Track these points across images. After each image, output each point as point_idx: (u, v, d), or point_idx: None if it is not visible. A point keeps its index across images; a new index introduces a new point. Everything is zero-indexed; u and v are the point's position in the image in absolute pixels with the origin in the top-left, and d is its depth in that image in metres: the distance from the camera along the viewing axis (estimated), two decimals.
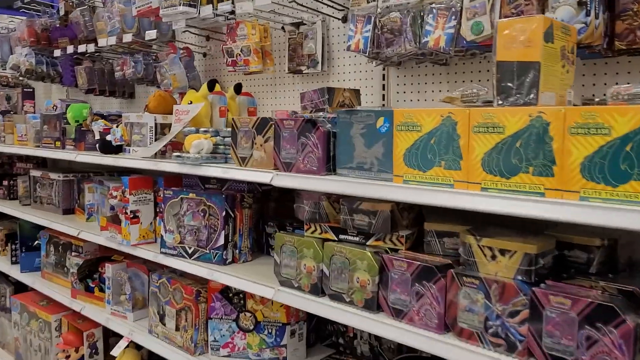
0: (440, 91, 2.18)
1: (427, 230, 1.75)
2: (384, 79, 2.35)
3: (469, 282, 1.49)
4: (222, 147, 2.35)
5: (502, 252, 1.47)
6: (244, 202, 2.37)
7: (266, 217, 2.56)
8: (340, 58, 2.53)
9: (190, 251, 2.41)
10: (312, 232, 1.96)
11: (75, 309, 3.22)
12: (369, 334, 2.36)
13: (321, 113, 2.06)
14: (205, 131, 2.40)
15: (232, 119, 2.14)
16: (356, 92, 2.23)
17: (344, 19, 2.46)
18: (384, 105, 2.36)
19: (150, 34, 3.05)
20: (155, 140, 2.83)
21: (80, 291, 3.23)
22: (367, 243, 1.82)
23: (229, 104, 2.77)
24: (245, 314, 2.41)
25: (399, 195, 1.58)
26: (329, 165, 1.84)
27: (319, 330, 2.55)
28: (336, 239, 1.89)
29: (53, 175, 3.73)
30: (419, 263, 1.60)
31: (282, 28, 2.75)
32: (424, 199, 1.53)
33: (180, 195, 2.45)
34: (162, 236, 2.51)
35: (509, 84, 1.38)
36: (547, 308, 1.33)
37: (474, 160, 1.43)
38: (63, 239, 3.55)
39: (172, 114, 2.90)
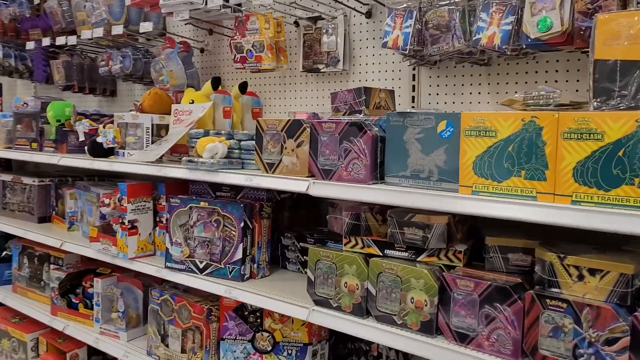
0: (479, 93, 2.03)
1: (490, 246, 1.59)
2: (414, 79, 2.19)
3: (553, 304, 1.34)
4: (237, 151, 2.14)
5: (592, 272, 1.33)
6: (263, 211, 2.17)
7: (280, 227, 2.36)
8: (362, 56, 2.35)
9: (201, 266, 2.18)
10: (352, 247, 1.77)
11: (57, 328, 2.92)
12: (397, 354, 2.20)
13: (359, 115, 1.89)
14: (217, 133, 2.19)
15: (258, 120, 1.94)
16: (391, 93, 2.06)
17: (368, 14, 2.29)
18: (413, 107, 2.20)
19: (146, 26, 2.79)
20: (152, 142, 2.59)
21: (62, 308, 2.94)
22: (418, 259, 1.66)
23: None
24: (262, 334, 2.20)
25: (470, 208, 1.42)
26: (376, 173, 1.67)
27: (336, 349, 2.37)
28: (381, 254, 1.72)
29: (27, 180, 3.41)
30: (489, 283, 1.45)
31: (295, 22, 2.56)
32: (499, 212, 1.37)
33: (190, 204, 2.22)
34: (167, 249, 2.27)
35: (610, 85, 1.24)
36: None
37: (563, 170, 1.29)
38: (39, 250, 3.24)
39: (168, 113, 2.67)
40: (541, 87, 1.54)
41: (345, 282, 1.74)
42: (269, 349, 2.19)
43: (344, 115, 1.95)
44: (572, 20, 1.52)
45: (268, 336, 2.20)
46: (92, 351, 3.04)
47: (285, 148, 1.86)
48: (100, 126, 2.94)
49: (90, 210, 2.89)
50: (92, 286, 2.96)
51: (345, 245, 1.79)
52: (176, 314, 2.33)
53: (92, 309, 2.85)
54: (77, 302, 2.93)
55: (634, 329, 1.23)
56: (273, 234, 2.32)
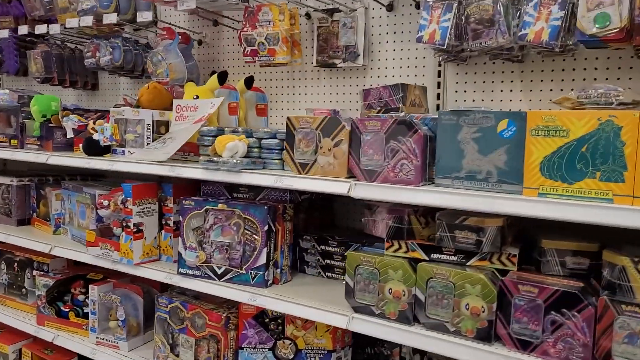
0: (511, 91, 1.99)
1: (546, 249, 1.54)
2: (439, 76, 2.13)
3: (630, 310, 1.30)
4: (256, 150, 2.02)
5: None
6: (286, 214, 2.06)
7: (297, 230, 2.25)
8: (381, 51, 2.27)
9: (220, 272, 2.05)
10: (394, 251, 1.69)
11: (45, 338, 2.72)
12: (421, 359, 2.14)
13: (396, 113, 1.80)
14: (234, 131, 2.06)
15: (289, 118, 1.83)
16: (424, 90, 1.99)
17: (390, 7, 2.21)
18: (438, 105, 2.13)
19: (145, 16, 2.62)
20: (153, 140, 2.43)
21: (51, 317, 2.74)
22: (469, 263, 1.59)
23: None
24: (284, 342, 2.10)
25: (538, 211, 1.36)
26: (425, 174, 1.59)
27: (355, 354, 2.29)
28: (427, 258, 1.65)
29: (3, 180, 3.16)
30: (556, 288, 1.40)
31: (307, 14, 2.45)
32: (570, 215, 1.32)
33: (206, 207, 2.09)
34: (180, 254, 2.13)
35: None
36: None
37: None
38: (20, 255, 3.01)
39: (167, 109, 2.53)
40: (599, 85, 1.50)
41: (390, 289, 1.66)
42: (291, 357, 2.09)
43: (378, 112, 1.86)
44: (632, 16, 1.48)
45: (290, 344, 2.09)
46: None
47: (321, 147, 1.76)
48: (90, 122, 2.75)
49: (83, 213, 2.70)
50: (81, 293, 2.78)
51: (387, 249, 1.70)
52: (188, 322, 2.19)
53: (83, 317, 2.68)
54: (67, 310, 2.74)
55: None
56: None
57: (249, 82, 2.49)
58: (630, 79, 1.77)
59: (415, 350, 2.16)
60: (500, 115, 1.45)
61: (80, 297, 2.77)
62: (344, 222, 2.43)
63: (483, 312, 1.50)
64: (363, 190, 1.65)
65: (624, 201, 1.27)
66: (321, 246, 2.16)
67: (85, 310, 2.71)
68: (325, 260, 2.16)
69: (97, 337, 2.53)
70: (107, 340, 2.51)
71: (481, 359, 1.49)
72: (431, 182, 1.60)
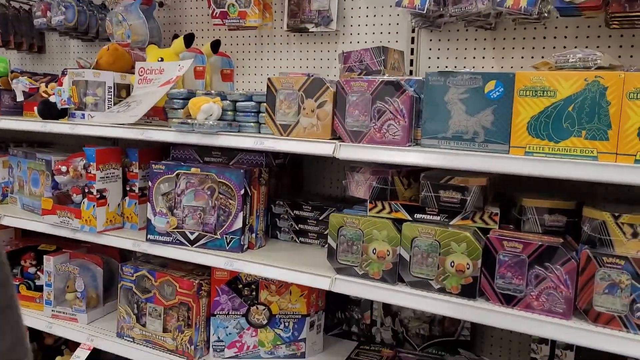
0: (483, 58, 2.03)
1: (526, 207, 1.60)
2: (413, 42, 2.14)
3: (610, 262, 1.37)
4: (230, 113, 1.97)
5: None
6: (262, 178, 2.02)
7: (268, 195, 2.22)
8: (354, 17, 2.25)
9: (192, 237, 2.00)
10: (378, 212, 1.71)
11: None
12: (393, 321, 2.18)
13: (378, 76, 1.80)
14: (206, 94, 2.00)
15: (270, 79, 1.78)
16: (402, 54, 2.00)
17: None
18: (411, 71, 2.15)
19: None
20: (114, 104, 2.32)
21: None
22: (452, 223, 1.63)
23: None
24: (257, 308, 2.08)
25: (525, 169, 1.41)
26: (411, 135, 1.61)
27: (325, 320, 2.30)
28: (410, 218, 1.67)
29: None
30: (540, 243, 1.45)
31: None
32: (556, 172, 1.37)
33: (178, 171, 2.02)
34: (149, 220, 2.06)
35: None
36: None
37: (627, 130, 1.31)
38: None
39: (129, 72, 2.41)
40: (577, 50, 1.56)
41: (374, 249, 1.67)
42: (265, 322, 2.08)
43: (360, 75, 1.86)
44: None
45: (264, 309, 2.08)
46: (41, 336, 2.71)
47: (304, 109, 1.74)
48: (42, 85, 2.60)
49: (36, 180, 2.54)
50: (32, 265, 2.64)
51: (370, 210, 1.71)
52: (156, 290, 2.13)
53: (36, 290, 2.54)
54: (17, 283, 2.59)
55: None
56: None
57: (215, 46, 2.42)
58: (598, 47, 1.85)
59: (386, 313, 2.20)
60: (488, 77, 1.48)
61: (31, 270, 2.63)
62: (314, 188, 2.42)
63: (468, 268, 1.55)
64: (349, 151, 1.64)
65: (607, 158, 1.34)
66: (295, 211, 2.14)
67: (37, 283, 2.57)
68: (299, 225, 2.14)
69: (52, 310, 2.41)
70: (64, 313, 2.40)
71: (465, 313, 1.54)
72: (416, 144, 1.62)
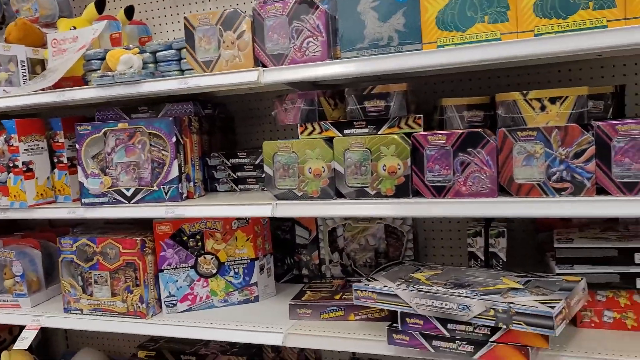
0: None
1: (446, 106, 1.69)
2: None
3: (524, 135, 1.48)
4: (151, 65, 1.98)
5: (553, 100, 1.49)
6: (192, 126, 2.03)
7: (203, 150, 2.22)
8: None
9: (129, 193, 1.98)
10: (309, 133, 1.75)
11: None
12: (340, 256, 2.23)
13: None
14: (125, 48, 1.99)
15: (186, 17, 1.80)
16: None
17: None
18: None
19: None
20: (30, 79, 2.26)
21: None
22: (379, 132, 1.69)
23: None
24: (205, 257, 2.08)
25: (438, 60, 1.50)
26: (331, 51, 1.66)
27: (275, 268, 2.32)
28: (341, 135, 1.72)
29: None
30: (462, 131, 1.54)
31: None
32: (468, 57, 1.47)
33: (105, 129, 1.99)
34: (81, 184, 2.01)
35: None
36: (615, 138, 1.39)
37: (523, 8, 1.42)
38: None
39: (41, 47, 2.36)
40: None
41: (310, 168, 1.72)
42: (214, 271, 2.09)
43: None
44: None
45: (212, 258, 2.08)
46: None
47: (224, 42, 1.76)
48: None
49: None
50: None
51: (301, 133, 1.76)
52: (99, 256, 2.08)
53: None
54: None
55: (597, 137, 1.41)
56: None
57: (129, 12, 2.40)
58: None
59: (333, 249, 2.25)
60: None
61: None
62: (248, 144, 2.44)
63: (399, 169, 1.62)
64: (273, 75, 1.68)
65: (510, 37, 1.44)
66: (230, 160, 2.15)
67: None
68: (237, 173, 2.16)
69: None
70: (4, 300, 2.30)
71: (403, 210, 1.61)
72: (339, 57, 1.68)
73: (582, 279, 1.56)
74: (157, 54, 1.95)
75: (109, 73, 1.88)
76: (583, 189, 1.43)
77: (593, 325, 1.62)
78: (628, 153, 1.38)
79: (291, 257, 2.34)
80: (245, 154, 2.14)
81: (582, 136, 1.42)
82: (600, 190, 1.43)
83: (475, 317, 1.45)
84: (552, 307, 1.36)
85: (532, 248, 2.02)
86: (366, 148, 1.65)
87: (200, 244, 2.07)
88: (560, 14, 1.38)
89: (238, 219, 2.07)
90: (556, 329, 1.34)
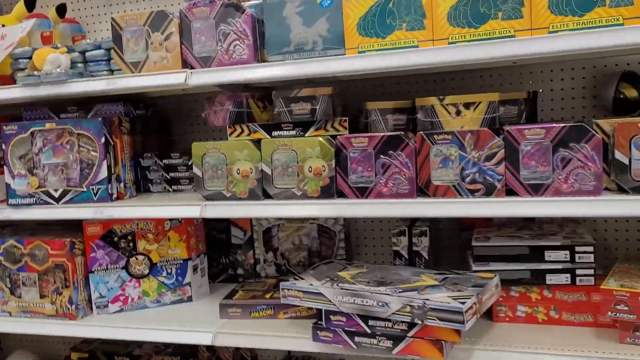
0: None
1: (370, 110, 1.74)
2: None
3: (441, 139, 1.54)
4: (80, 65, 1.96)
5: (467, 105, 1.56)
6: (122, 127, 2.01)
7: (136, 151, 2.20)
8: None
9: (57, 194, 1.95)
10: (237, 135, 1.78)
11: None
12: (275, 255, 2.26)
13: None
14: (53, 47, 1.96)
15: (113, 18, 1.79)
16: None
17: None
18: None
19: None
20: None
21: None
22: (306, 135, 1.73)
23: None
24: (137, 258, 2.08)
25: (358, 65, 1.55)
26: (258, 54, 1.69)
27: (211, 268, 2.34)
28: (269, 136, 1.75)
29: None
30: (382, 134, 1.60)
31: None
32: (386, 63, 1.52)
33: (32, 129, 1.96)
34: (8, 185, 1.97)
35: None
36: (522, 142, 1.47)
37: (439, 17, 1.48)
38: None
39: None
40: None
41: (238, 169, 1.74)
42: (146, 272, 2.08)
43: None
44: None
45: (144, 259, 2.08)
46: None
47: (152, 43, 1.76)
48: None
49: None
50: None
51: (230, 134, 1.78)
52: (27, 257, 2.05)
53: None
54: None
55: (507, 141, 1.49)
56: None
57: (61, 10, 2.36)
58: None
59: (268, 249, 2.28)
60: None
61: None
62: (184, 145, 2.44)
63: (324, 171, 1.66)
64: (200, 77, 1.69)
65: (426, 45, 1.50)
66: (163, 160, 2.15)
67: None
68: (170, 174, 2.16)
69: None
70: None
71: (327, 210, 1.65)
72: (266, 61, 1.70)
73: (495, 275, 1.64)
74: (86, 54, 1.93)
75: (35, 73, 1.85)
76: (494, 190, 1.51)
77: (507, 319, 1.71)
78: (534, 156, 1.46)
79: (226, 256, 2.35)
80: (178, 154, 2.14)
81: (493, 140, 1.50)
82: (510, 192, 1.51)
83: (393, 313, 1.51)
84: (463, 303, 1.43)
85: (456, 247, 2.10)
86: (293, 150, 1.68)
87: (131, 244, 2.06)
88: (472, 23, 1.45)
89: (171, 219, 2.07)
90: (466, 323, 1.41)
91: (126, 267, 2.06)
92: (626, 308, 1.44)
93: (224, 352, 2.37)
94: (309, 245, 2.24)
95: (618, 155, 1.40)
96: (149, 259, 2.08)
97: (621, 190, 1.43)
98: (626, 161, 1.39)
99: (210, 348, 2.34)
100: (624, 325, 1.49)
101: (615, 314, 1.46)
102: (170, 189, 2.16)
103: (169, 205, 1.81)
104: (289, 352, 2.43)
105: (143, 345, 2.36)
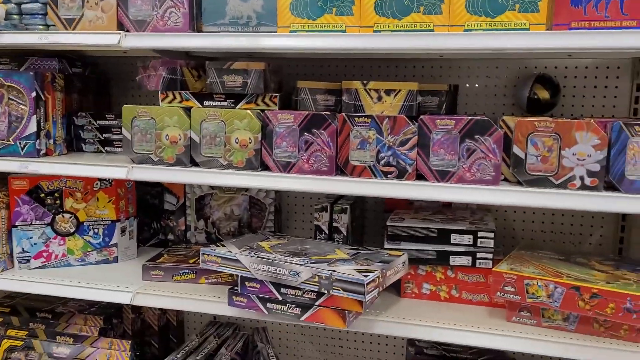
0: None
1: (301, 88, 1.80)
2: None
3: (361, 121, 1.63)
4: (16, 17, 1.93)
5: (388, 92, 1.65)
6: (56, 83, 2.01)
7: (71, 110, 2.20)
8: None
9: None
10: (169, 102, 1.81)
11: None
12: (206, 223, 2.32)
13: None
14: None
15: None
16: None
17: None
18: None
19: None
20: None
21: None
22: (237, 107, 1.79)
23: None
24: (63, 216, 2.09)
25: (289, 43, 1.60)
26: (194, 23, 1.72)
27: (141, 232, 2.37)
28: (200, 106, 1.80)
29: None
30: (307, 113, 1.67)
31: None
32: (316, 44, 1.58)
33: None
34: None
35: None
36: (434, 131, 1.57)
37: (366, 5, 1.55)
38: None
39: None
40: None
41: (167, 135, 1.78)
42: (72, 230, 2.10)
43: None
44: None
45: (70, 217, 2.10)
46: None
47: (87, 2, 1.76)
48: None
49: None
50: None
51: (162, 100, 1.81)
52: None
53: None
54: None
55: (420, 129, 1.58)
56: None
57: None
58: None
59: (199, 217, 2.33)
60: None
61: None
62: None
63: (250, 143, 1.72)
64: (134, 40, 1.71)
65: (353, 30, 1.57)
66: (98, 121, 2.16)
67: None
68: (104, 135, 2.17)
69: None
70: None
71: (250, 181, 1.72)
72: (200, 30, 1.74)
73: (403, 254, 1.75)
74: (22, 6, 1.91)
75: None
76: (405, 173, 1.60)
77: (414, 295, 1.83)
78: (443, 145, 1.56)
79: (158, 222, 2.39)
80: (113, 116, 2.15)
81: (408, 126, 1.59)
82: (420, 177, 1.61)
83: (303, 282, 1.59)
84: (366, 276, 1.53)
85: (380, 226, 2.21)
86: (222, 120, 1.73)
87: (58, 202, 2.07)
88: (396, 14, 1.53)
89: (100, 179, 2.09)
90: (367, 295, 1.51)
91: (52, 224, 2.07)
92: (513, 289, 1.57)
93: (150, 315, 2.42)
94: (240, 216, 2.30)
95: (516, 149, 1.52)
96: (76, 217, 2.10)
97: (519, 182, 1.55)
98: (523, 156, 1.51)
99: (136, 310, 2.39)
100: (511, 305, 1.63)
101: (503, 295, 1.59)
102: (103, 150, 2.18)
103: (95, 165, 1.83)
104: (214, 317, 2.51)
105: (68, 302, 2.38)
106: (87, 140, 2.18)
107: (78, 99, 2.24)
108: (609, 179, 1.45)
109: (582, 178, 1.46)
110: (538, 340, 1.54)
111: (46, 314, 2.30)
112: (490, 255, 1.74)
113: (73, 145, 2.18)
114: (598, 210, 1.46)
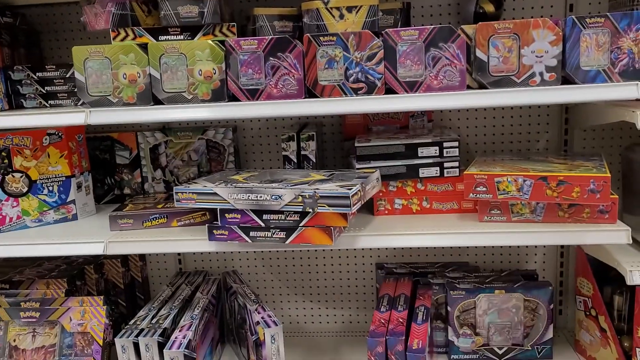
0: None
1: (258, 15, 1.78)
2: None
3: (326, 40, 1.63)
4: None
5: (350, 9, 1.66)
6: None
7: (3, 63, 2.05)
8: None
9: None
10: (122, 39, 1.73)
11: None
12: (163, 173, 2.26)
13: None
14: None
15: None
16: None
17: None
18: None
19: None
20: None
21: None
22: (195, 39, 1.74)
23: None
24: (13, 176, 1.97)
25: None
26: None
27: (95, 189, 2.28)
28: (155, 41, 1.73)
29: None
30: (271, 37, 1.65)
31: None
32: None
33: None
34: None
35: None
36: (399, 43, 1.61)
37: None
38: None
39: None
40: None
41: (124, 74, 1.71)
42: (25, 190, 1.99)
43: None
44: None
45: (21, 176, 1.98)
46: None
47: None
48: None
49: None
50: None
51: (114, 38, 1.73)
52: None
53: None
54: None
55: (385, 42, 1.62)
56: None
57: None
58: None
59: (155, 167, 2.27)
60: None
61: None
62: (54, 61, 2.30)
63: (215, 74, 1.69)
64: None
65: None
66: (37, 74, 2.02)
67: None
68: (46, 88, 2.04)
69: None
70: None
71: (218, 113, 1.69)
72: None
73: (375, 170, 1.80)
74: None
75: None
76: (375, 88, 1.64)
77: (387, 212, 1.90)
78: (409, 56, 1.61)
79: (112, 177, 2.31)
80: (54, 67, 2.02)
81: (373, 41, 1.62)
82: (390, 90, 1.65)
83: (286, 204, 1.61)
84: (349, 189, 1.57)
85: (340, 156, 2.25)
86: (182, 53, 1.68)
87: (6, 161, 1.95)
88: None
89: (49, 134, 1.98)
90: (352, 207, 1.55)
91: (1, 186, 1.95)
92: (484, 189, 1.67)
93: (113, 274, 2.36)
94: (199, 160, 2.26)
95: (479, 53, 1.59)
96: (27, 176, 1.98)
97: (481, 87, 1.63)
98: (485, 59, 1.59)
99: (99, 270, 2.31)
100: (482, 205, 1.73)
101: (475, 195, 1.69)
102: (47, 104, 2.05)
103: (49, 113, 1.73)
104: (180, 268, 2.48)
105: (24, 271, 2.27)
106: (27, 96, 2.04)
107: (10, 53, 2.08)
108: (566, 72, 1.55)
109: (541, 74, 1.56)
110: (510, 232, 1.66)
111: (2, 284, 2.19)
112: (456, 164, 1.83)
113: (12, 102, 2.04)
114: (558, 102, 1.56)
